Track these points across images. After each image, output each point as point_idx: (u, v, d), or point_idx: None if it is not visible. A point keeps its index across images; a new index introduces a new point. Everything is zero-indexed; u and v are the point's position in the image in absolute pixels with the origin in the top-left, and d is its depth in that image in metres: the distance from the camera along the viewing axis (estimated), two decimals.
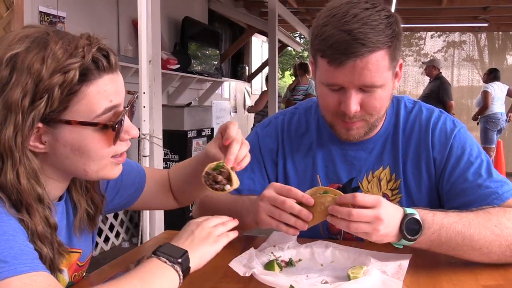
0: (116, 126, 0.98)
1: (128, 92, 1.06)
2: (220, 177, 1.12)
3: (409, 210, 1.19)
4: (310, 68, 1.35)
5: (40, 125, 0.94)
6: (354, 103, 1.29)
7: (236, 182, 1.14)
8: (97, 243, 4.68)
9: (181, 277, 0.96)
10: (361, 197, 1.14)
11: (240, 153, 1.16)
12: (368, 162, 1.47)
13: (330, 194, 1.19)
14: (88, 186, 1.17)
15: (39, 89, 0.91)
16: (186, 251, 0.99)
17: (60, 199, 1.10)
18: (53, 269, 0.98)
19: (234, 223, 1.12)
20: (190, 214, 4.61)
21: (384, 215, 1.14)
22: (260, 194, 1.31)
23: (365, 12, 1.25)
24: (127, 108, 1.03)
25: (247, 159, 1.19)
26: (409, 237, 1.17)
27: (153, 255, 0.97)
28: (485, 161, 1.38)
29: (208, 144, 1.27)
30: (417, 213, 1.19)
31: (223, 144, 1.19)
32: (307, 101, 1.63)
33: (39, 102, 0.91)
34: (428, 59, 9.49)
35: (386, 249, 1.33)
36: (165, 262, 0.95)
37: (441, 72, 8.26)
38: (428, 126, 1.44)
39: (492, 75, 8.59)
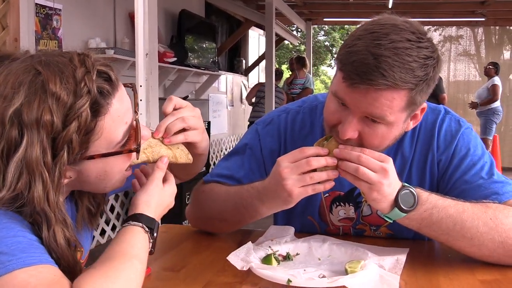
0: (139, 147, 0.99)
1: (126, 85, 1.03)
2: None
3: (406, 184, 1.19)
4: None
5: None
6: (351, 129, 1.20)
7: (154, 155, 1.10)
8: (93, 236, 4.67)
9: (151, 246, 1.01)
10: (370, 150, 1.16)
11: (170, 125, 1.11)
12: None
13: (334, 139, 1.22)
14: None
15: (58, 142, 0.87)
16: (157, 222, 1.04)
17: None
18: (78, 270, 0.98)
19: None
20: None
21: (390, 170, 1.15)
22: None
23: (405, 43, 1.13)
24: (137, 116, 1.01)
25: (181, 136, 1.14)
26: (403, 207, 1.16)
27: (135, 223, 0.99)
28: (488, 163, 1.35)
29: None
30: (413, 188, 1.19)
31: None
32: (313, 99, 1.56)
33: (61, 154, 0.88)
34: None
35: (384, 244, 1.34)
36: (146, 233, 1.00)
37: None
38: (434, 129, 1.40)
39: (496, 69, 8.71)
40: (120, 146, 0.98)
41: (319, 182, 1.18)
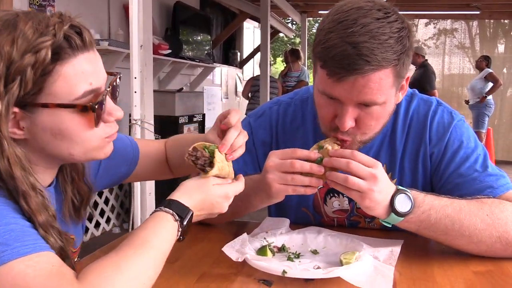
0: (96, 106, 0.95)
1: (110, 74, 1.03)
2: (201, 158, 1.08)
3: (401, 187, 1.19)
4: (312, 71, 1.32)
5: (16, 110, 0.91)
6: (349, 119, 1.22)
7: (222, 170, 1.10)
8: (88, 229, 4.67)
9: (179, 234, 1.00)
10: (359, 155, 1.15)
11: (235, 141, 1.13)
12: None
13: (329, 146, 1.21)
14: (73, 175, 1.14)
15: (11, 71, 0.88)
16: (191, 211, 1.02)
17: (50, 184, 1.08)
18: (64, 257, 0.94)
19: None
20: None
21: (380, 176, 1.14)
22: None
23: (376, 23, 1.15)
24: (108, 89, 1.00)
25: (241, 150, 1.16)
26: (399, 211, 1.16)
27: (166, 210, 0.99)
28: (482, 155, 1.35)
29: (208, 131, 1.25)
30: (409, 191, 1.19)
31: (221, 130, 1.17)
32: (304, 91, 1.56)
33: (12, 85, 0.88)
34: (418, 45, 9.51)
35: (378, 235, 1.34)
36: (176, 221, 0.99)
37: (426, 60, 8.27)
38: (426, 121, 1.40)
39: (488, 62, 8.72)
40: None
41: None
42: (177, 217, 0.99)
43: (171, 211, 0.99)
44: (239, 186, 1.13)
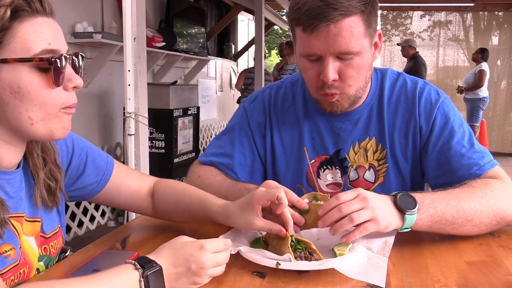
0: (54, 61, 0.95)
1: (74, 54, 1.04)
2: (306, 254, 1.13)
3: (393, 193, 1.22)
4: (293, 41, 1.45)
5: None
6: (331, 71, 1.31)
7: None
8: (82, 222, 4.66)
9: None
10: (342, 195, 1.16)
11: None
12: (354, 133, 1.50)
13: (322, 202, 1.20)
14: (45, 158, 1.13)
15: None
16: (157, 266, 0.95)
17: (18, 167, 1.07)
18: None
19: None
20: None
21: (368, 196, 1.16)
22: (251, 168, 1.48)
23: None
24: (69, 55, 1.00)
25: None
26: (407, 210, 1.18)
27: (128, 261, 0.93)
28: (467, 132, 1.43)
29: (237, 216, 1.19)
30: (403, 191, 1.23)
31: (272, 212, 1.18)
32: (294, 75, 1.66)
33: None
34: (410, 38, 9.50)
35: None
36: (137, 269, 0.92)
37: (417, 52, 8.27)
38: (415, 96, 1.47)
39: (483, 55, 8.68)
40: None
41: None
42: (138, 266, 0.92)
43: (133, 261, 0.93)
44: (217, 242, 1.04)
